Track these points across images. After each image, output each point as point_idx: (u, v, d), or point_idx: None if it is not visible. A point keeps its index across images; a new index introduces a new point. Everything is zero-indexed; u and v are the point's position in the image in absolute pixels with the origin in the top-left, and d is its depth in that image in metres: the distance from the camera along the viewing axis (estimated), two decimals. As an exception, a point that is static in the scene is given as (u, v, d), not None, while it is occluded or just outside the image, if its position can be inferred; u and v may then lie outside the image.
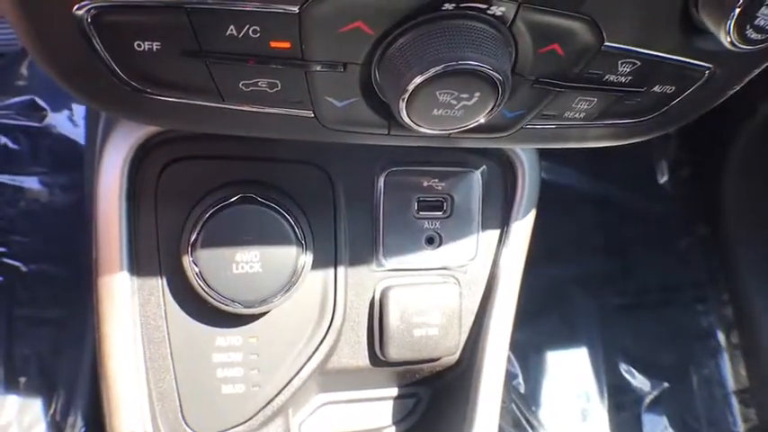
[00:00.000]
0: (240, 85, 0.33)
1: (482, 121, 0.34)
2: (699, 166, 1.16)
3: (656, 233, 1.17)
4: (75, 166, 1.00)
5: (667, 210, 1.18)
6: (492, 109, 0.33)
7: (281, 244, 0.44)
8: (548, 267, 1.09)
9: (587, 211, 1.15)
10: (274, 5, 0.29)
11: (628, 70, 0.35)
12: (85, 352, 0.92)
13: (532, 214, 0.52)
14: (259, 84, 0.33)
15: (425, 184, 0.49)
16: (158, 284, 0.45)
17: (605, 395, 1.06)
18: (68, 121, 1.02)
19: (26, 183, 0.99)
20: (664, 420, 1.08)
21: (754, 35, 0.34)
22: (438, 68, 0.30)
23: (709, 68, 0.37)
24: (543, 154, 1.15)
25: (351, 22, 0.30)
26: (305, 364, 0.47)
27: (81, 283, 0.97)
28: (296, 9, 0.29)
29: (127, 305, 0.43)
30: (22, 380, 0.92)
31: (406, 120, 0.33)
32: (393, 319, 0.49)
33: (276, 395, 0.47)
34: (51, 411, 0.91)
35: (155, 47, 0.29)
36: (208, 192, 0.43)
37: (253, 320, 0.46)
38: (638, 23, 0.33)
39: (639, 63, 0.35)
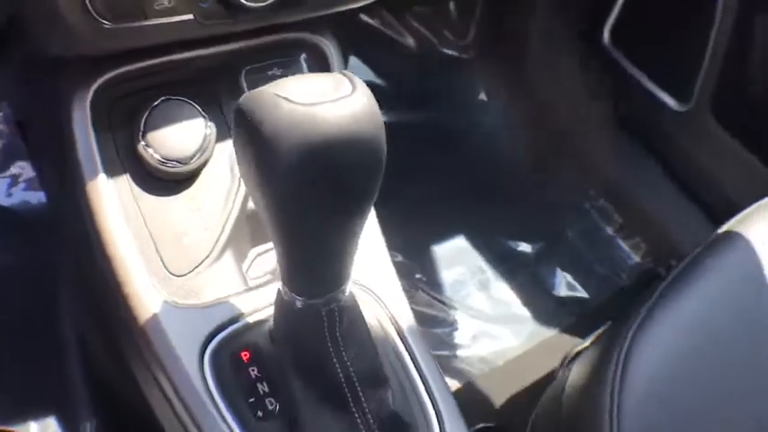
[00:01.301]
0: (155, 5, 0.64)
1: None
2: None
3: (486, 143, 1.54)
4: (11, 231, 1.25)
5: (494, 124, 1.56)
6: None
7: (193, 119, 0.74)
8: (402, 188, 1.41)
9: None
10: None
11: None
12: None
13: None
14: (165, 3, 0.64)
15: (270, 73, 0.79)
16: (125, 178, 0.73)
17: (497, 264, 1.39)
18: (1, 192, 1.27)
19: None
20: (557, 271, 1.41)
21: None
22: None
23: None
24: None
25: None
26: (232, 209, 0.77)
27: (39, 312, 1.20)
28: None
29: (110, 197, 0.72)
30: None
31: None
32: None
33: (221, 232, 0.76)
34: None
35: None
36: (143, 108, 0.74)
37: (190, 186, 0.76)
38: None
39: None
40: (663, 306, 0.79)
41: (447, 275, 1.35)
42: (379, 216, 0.84)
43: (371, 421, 0.65)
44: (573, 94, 1.50)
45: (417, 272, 1.34)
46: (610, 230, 1.46)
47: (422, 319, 1.28)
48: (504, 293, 1.35)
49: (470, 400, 1.18)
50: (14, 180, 1.25)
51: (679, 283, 0.81)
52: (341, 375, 0.63)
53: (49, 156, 0.87)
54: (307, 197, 0.49)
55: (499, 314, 1.32)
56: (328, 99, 0.48)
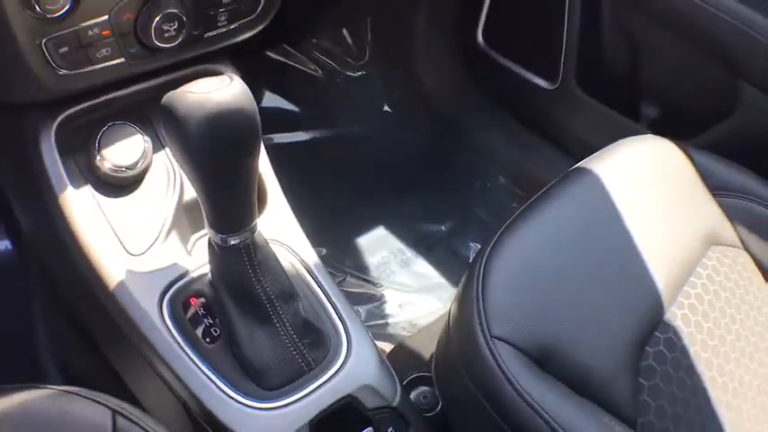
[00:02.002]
0: (97, 54, 0.94)
1: (182, 36, 0.98)
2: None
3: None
4: None
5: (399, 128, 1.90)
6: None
7: (133, 135, 1.04)
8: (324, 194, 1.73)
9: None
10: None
11: None
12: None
13: None
14: (104, 52, 0.94)
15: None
16: (88, 188, 1.01)
17: (415, 245, 1.71)
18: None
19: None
20: (469, 243, 1.70)
21: None
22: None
23: None
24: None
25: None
26: (171, 201, 1.07)
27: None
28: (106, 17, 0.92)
29: (77, 203, 1.00)
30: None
31: (156, 43, 0.97)
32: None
33: (165, 219, 1.05)
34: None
35: (62, 50, 0.90)
36: (95, 133, 1.03)
37: (137, 188, 1.06)
38: None
39: None
40: (514, 226, 0.98)
41: (372, 260, 1.66)
42: (306, 216, 1.13)
43: (289, 328, 0.95)
44: (459, 91, 1.86)
45: (345, 260, 1.64)
46: (513, 203, 1.78)
47: (353, 298, 1.57)
48: (424, 268, 1.66)
49: (404, 357, 1.46)
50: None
51: (530, 207, 1.01)
52: (262, 296, 0.93)
53: (17, 187, 1.17)
54: (213, 151, 0.79)
55: (422, 285, 1.63)
56: (217, 88, 0.80)
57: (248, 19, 1.08)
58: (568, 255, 0.98)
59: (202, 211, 0.89)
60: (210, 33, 1.05)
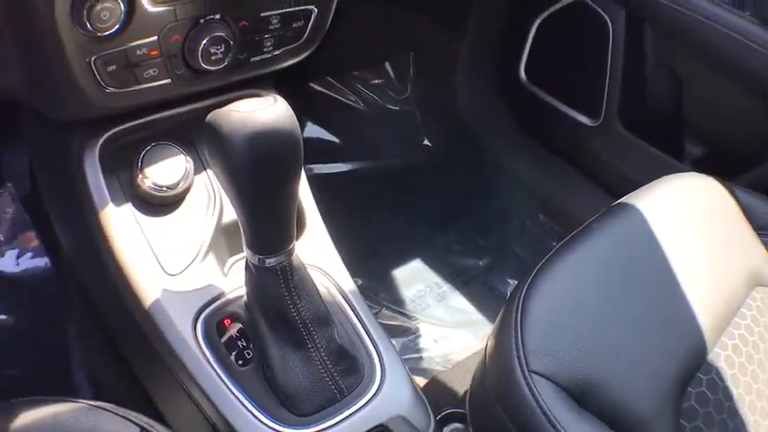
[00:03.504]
0: (144, 74, 0.94)
1: (228, 60, 0.99)
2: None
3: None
4: (20, 296, 1.50)
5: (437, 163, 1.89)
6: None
7: (176, 156, 1.04)
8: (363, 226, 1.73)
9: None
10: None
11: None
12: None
13: None
14: (151, 72, 0.95)
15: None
16: (129, 206, 1.02)
17: (452, 279, 1.69)
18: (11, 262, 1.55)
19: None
20: (507, 279, 1.69)
21: None
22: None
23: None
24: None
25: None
26: (210, 222, 1.07)
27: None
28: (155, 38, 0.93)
29: (118, 220, 1.00)
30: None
31: (202, 66, 0.98)
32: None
33: (204, 240, 1.05)
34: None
35: (110, 68, 0.91)
36: (139, 152, 1.04)
37: (177, 208, 1.06)
38: None
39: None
40: (554, 260, 0.97)
41: (407, 293, 1.64)
42: (343, 247, 1.13)
43: (323, 353, 0.94)
44: (500, 126, 1.85)
45: (381, 292, 1.63)
46: (552, 241, 1.76)
47: (387, 330, 1.54)
48: (460, 303, 1.64)
49: (437, 392, 1.44)
50: (22, 251, 1.51)
51: (569, 243, 1.00)
52: (297, 320, 0.92)
53: (58, 202, 1.18)
54: (255, 169, 0.80)
55: (457, 320, 1.61)
56: (261, 107, 0.80)
57: (293, 46, 1.08)
58: (609, 290, 0.96)
59: (241, 231, 0.88)
60: (256, 58, 1.06)
